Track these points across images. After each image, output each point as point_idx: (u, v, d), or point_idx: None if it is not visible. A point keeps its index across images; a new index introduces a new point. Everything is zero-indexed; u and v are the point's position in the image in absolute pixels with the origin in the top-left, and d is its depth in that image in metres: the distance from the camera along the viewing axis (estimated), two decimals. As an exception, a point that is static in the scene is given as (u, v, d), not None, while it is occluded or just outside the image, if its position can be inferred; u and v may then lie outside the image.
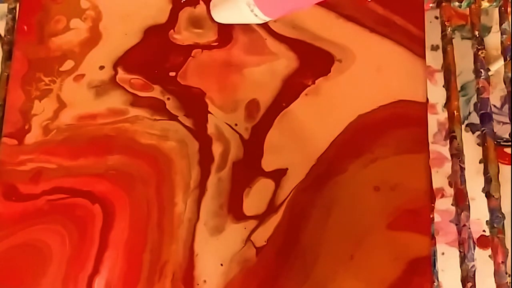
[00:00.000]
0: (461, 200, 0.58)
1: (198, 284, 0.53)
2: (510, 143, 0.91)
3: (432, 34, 0.67)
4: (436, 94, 0.80)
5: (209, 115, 0.58)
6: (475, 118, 0.93)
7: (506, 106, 0.92)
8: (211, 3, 0.43)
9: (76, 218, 0.55)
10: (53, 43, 0.60)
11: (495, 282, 0.54)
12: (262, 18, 0.39)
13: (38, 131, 0.58)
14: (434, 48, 0.92)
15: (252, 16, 0.38)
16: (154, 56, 0.60)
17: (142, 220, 0.55)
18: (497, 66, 0.84)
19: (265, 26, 0.60)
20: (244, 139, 0.57)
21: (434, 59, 0.88)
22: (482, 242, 0.83)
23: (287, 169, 0.56)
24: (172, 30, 0.60)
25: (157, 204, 0.55)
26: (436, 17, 0.72)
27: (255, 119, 0.57)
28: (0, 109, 0.60)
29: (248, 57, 0.59)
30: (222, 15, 0.43)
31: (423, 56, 0.59)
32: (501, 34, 0.65)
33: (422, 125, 0.57)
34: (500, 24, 0.66)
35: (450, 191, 0.87)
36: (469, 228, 0.57)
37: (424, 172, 0.56)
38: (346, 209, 0.54)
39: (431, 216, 0.56)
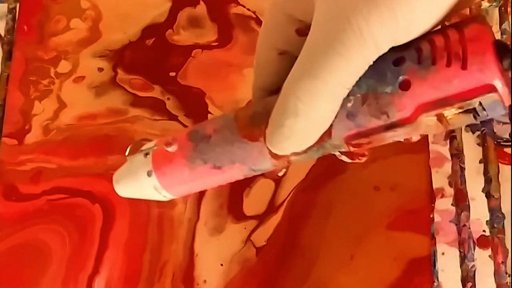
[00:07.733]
0: (461, 200, 0.58)
1: (198, 284, 0.53)
2: (510, 143, 0.91)
3: (432, 34, 0.67)
4: (436, 94, 0.80)
5: (209, 115, 0.58)
6: (475, 118, 0.92)
7: (506, 106, 0.92)
8: (113, 177, 0.41)
9: (76, 218, 0.55)
10: (53, 43, 0.60)
11: (495, 282, 0.54)
12: (169, 197, 0.39)
13: (38, 131, 0.58)
14: (434, 48, 0.92)
15: (161, 196, 0.39)
16: (154, 56, 0.60)
17: (142, 220, 0.55)
18: (497, 66, 0.83)
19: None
20: (244, 139, 0.57)
21: (434, 59, 0.88)
22: (482, 242, 0.83)
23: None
24: (171, 30, 0.60)
25: (157, 204, 0.55)
26: (436, 17, 0.72)
27: (255, 119, 0.57)
28: (0, 109, 0.60)
29: (248, 57, 0.59)
30: (127, 191, 0.42)
31: (423, 56, 0.59)
32: (501, 34, 0.65)
33: (422, 125, 0.57)
34: (500, 24, 0.65)
35: (450, 191, 0.87)
36: (469, 228, 0.57)
37: (424, 172, 0.56)
38: (346, 209, 0.54)
39: (431, 216, 0.56)
